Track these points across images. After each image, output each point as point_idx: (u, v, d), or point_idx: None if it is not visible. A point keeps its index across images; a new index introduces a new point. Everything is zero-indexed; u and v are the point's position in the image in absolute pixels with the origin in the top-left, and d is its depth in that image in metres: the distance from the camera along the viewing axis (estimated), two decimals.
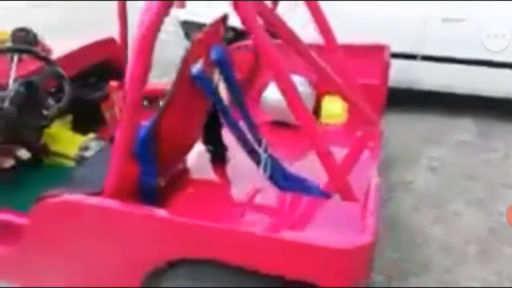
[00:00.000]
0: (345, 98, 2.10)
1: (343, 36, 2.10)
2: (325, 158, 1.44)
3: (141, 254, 1.45)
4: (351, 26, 2.92)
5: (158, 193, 1.53)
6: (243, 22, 1.36)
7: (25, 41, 1.76)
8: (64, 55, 2.26)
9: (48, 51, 2.04)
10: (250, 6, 1.36)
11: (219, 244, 1.32)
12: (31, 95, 1.51)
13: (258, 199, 1.62)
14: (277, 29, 1.78)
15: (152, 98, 2.38)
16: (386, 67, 2.35)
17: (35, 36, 1.91)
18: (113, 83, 2.49)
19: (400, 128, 3.54)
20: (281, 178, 1.72)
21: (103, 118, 2.54)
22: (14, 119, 1.52)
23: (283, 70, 1.41)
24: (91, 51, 2.50)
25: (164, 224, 1.38)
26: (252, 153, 1.73)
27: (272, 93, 2.31)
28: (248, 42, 2.55)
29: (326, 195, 1.55)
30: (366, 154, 2.13)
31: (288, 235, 1.32)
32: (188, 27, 4.13)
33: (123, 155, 1.37)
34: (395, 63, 2.59)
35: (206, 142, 1.92)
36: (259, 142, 1.73)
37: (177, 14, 4.20)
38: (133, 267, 1.48)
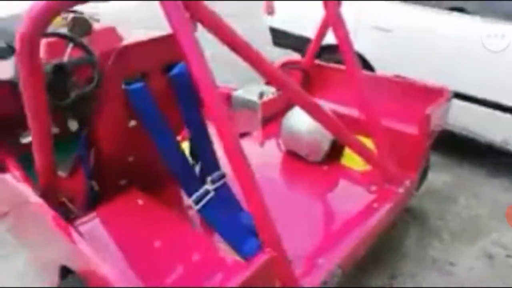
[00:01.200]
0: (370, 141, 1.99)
1: None
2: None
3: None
4: None
5: (91, 194, 1.70)
6: (169, 22, 1.30)
7: (81, 28, 1.75)
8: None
9: (120, 38, 2.03)
10: (178, 7, 1.28)
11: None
12: (58, 77, 1.55)
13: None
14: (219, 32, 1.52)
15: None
16: (427, 117, 1.96)
17: (90, 24, 1.91)
18: None
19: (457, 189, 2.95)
20: (218, 217, 1.65)
21: None
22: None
23: (205, 76, 1.29)
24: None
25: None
26: (189, 180, 1.69)
27: (290, 120, 2.20)
28: (297, 60, 2.60)
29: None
30: (363, 215, 1.88)
31: None
32: (277, 35, 4.03)
33: None
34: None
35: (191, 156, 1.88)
36: (211, 171, 1.71)
37: (267, 18, 4.07)
38: None
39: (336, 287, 1.57)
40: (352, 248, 1.65)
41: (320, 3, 2.05)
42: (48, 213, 1.39)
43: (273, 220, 1.34)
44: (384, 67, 3.18)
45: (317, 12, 2.24)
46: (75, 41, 1.68)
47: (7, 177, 1.66)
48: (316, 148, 2.16)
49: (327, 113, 1.75)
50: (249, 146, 2.41)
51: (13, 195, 1.66)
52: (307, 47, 2.63)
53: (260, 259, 1.17)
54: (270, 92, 2.61)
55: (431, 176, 2.89)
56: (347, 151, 2.14)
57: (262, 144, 2.49)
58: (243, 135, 2.56)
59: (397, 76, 3.04)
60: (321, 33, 2.46)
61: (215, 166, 1.79)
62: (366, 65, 3.27)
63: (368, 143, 2.00)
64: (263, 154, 2.37)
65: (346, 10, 3.34)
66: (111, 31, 1.73)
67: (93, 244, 1.27)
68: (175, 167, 1.70)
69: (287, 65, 2.64)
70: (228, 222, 1.65)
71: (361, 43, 3.28)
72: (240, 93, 2.65)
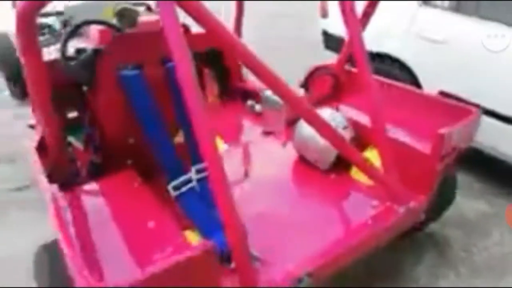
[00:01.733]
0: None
1: None
2: None
3: None
4: None
5: (92, 168, 1.88)
6: (162, 22, 1.33)
7: (128, 19, 1.97)
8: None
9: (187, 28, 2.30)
10: (170, 6, 1.31)
11: None
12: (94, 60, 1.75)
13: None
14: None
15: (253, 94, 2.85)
16: (440, 137, 1.76)
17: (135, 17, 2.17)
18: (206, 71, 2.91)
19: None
20: (193, 207, 1.69)
21: None
22: (78, 75, 1.78)
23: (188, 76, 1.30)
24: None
25: None
26: (173, 169, 1.76)
27: (302, 126, 2.20)
28: (328, 65, 2.59)
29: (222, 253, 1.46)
30: (353, 228, 1.80)
31: None
32: (328, 38, 3.94)
33: None
34: None
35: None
36: (196, 161, 1.76)
37: (319, 21, 3.99)
38: None
39: None
40: (328, 259, 1.59)
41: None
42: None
43: (239, 217, 1.34)
44: (430, 81, 2.99)
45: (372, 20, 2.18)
46: (120, 30, 1.86)
47: None
48: (323, 156, 2.10)
49: (328, 127, 1.70)
50: (270, 145, 2.48)
51: None
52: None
53: (194, 250, 1.21)
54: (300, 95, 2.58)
55: (463, 202, 2.67)
56: None
57: (284, 144, 2.48)
58: (268, 133, 2.61)
59: (441, 92, 2.86)
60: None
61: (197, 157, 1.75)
62: (412, 77, 3.10)
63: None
64: (280, 154, 2.37)
65: (398, 17, 3.26)
66: (156, 24, 1.82)
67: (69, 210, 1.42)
68: (160, 155, 1.76)
69: (318, 70, 2.59)
70: (203, 214, 1.66)
71: (408, 54, 3.13)
72: (269, 92, 2.66)
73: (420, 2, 3.07)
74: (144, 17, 2.15)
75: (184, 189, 1.76)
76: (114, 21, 1.88)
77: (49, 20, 2.89)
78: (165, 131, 1.81)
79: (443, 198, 2.23)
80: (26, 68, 1.39)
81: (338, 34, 3.68)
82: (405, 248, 2.38)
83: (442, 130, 1.75)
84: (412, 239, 2.41)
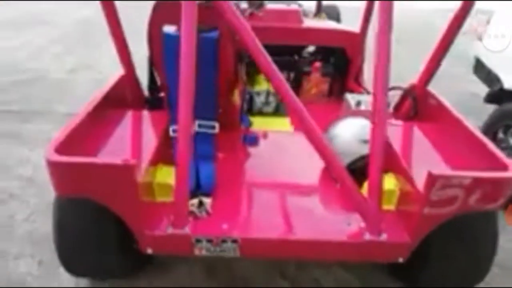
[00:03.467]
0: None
1: None
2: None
3: None
4: None
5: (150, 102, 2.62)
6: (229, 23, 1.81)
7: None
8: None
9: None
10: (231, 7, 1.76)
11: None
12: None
13: None
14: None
15: None
16: (432, 178, 1.60)
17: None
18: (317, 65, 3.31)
19: None
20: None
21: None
22: None
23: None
24: (336, 34, 3.31)
25: None
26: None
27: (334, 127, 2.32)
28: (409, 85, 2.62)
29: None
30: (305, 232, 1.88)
31: None
32: (479, 66, 3.61)
33: None
34: None
35: None
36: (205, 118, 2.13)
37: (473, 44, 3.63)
38: None
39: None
40: (261, 240, 1.84)
41: None
42: None
43: (187, 163, 1.78)
44: None
45: None
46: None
47: None
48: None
49: (322, 142, 1.84)
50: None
51: None
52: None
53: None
54: (368, 102, 2.50)
55: None
56: None
57: None
58: None
59: None
60: (436, 58, 2.40)
61: (212, 116, 2.17)
62: None
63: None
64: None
65: None
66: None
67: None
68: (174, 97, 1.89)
69: (395, 89, 2.56)
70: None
71: None
72: (347, 96, 2.73)
73: None
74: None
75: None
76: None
77: None
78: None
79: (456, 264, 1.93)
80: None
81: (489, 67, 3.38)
82: None
83: (435, 171, 1.60)
84: None
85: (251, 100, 3.07)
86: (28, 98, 4.46)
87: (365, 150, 1.98)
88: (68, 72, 5.38)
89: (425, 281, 2.07)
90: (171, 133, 2.10)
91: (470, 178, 1.62)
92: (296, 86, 3.32)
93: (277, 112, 3.12)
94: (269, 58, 1.79)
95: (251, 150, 2.51)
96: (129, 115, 2.32)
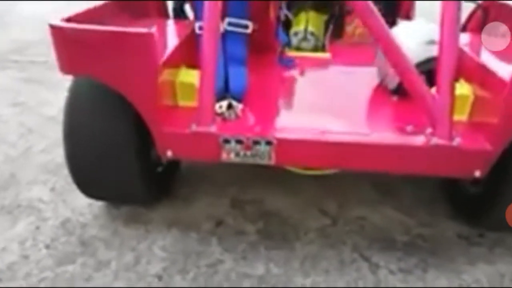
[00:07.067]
0: None
1: None
2: None
3: None
4: None
5: None
6: None
7: None
8: None
9: None
10: None
11: None
12: None
13: None
14: None
15: None
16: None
17: None
18: None
19: None
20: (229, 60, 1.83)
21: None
22: None
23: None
24: None
25: None
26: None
27: None
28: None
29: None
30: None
31: None
32: None
33: None
34: None
35: None
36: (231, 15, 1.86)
37: None
38: None
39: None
40: (304, 143, 1.53)
41: None
42: None
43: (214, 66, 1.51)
44: None
45: None
46: None
47: None
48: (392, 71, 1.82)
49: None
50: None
51: None
52: None
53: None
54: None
55: None
56: None
57: None
58: None
59: None
60: None
61: (244, 14, 1.88)
62: None
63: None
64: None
65: None
66: None
67: None
68: None
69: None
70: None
71: None
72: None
73: None
74: None
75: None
76: None
77: None
78: None
79: None
80: None
81: None
82: None
83: None
84: None
85: (287, 23, 2.76)
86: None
87: (432, 52, 1.68)
88: None
89: (496, 220, 1.71)
90: (196, 30, 1.85)
91: None
92: (339, 26, 2.98)
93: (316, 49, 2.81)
94: None
95: (289, 70, 2.19)
96: (150, 21, 2.03)
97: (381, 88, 1.93)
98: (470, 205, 1.92)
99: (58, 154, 2.43)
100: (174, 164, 2.13)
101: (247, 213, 2.05)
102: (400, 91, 1.82)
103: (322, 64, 2.25)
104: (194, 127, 1.52)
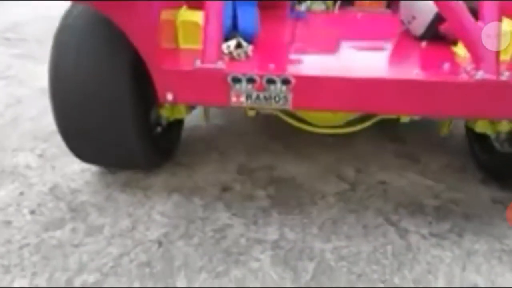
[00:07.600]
0: None
1: None
2: None
3: None
4: None
5: None
6: None
7: None
8: None
9: None
10: None
11: None
12: None
13: None
14: None
15: None
16: None
17: None
18: None
19: None
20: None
21: None
22: None
23: None
24: None
25: None
26: None
27: None
28: None
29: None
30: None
31: None
32: None
33: None
34: None
35: None
36: None
37: None
38: None
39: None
40: (324, 81, 1.33)
41: None
42: None
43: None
44: None
45: None
46: None
47: None
48: (420, 16, 1.63)
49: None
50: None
51: None
52: None
53: None
54: None
55: None
56: None
57: None
58: None
59: None
60: None
61: None
62: None
63: None
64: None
65: None
66: None
67: None
68: None
69: None
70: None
71: None
72: None
73: None
74: None
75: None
76: None
77: None
78: None
79: None
80: None
81: None
82: None
83: None
84: None
85: None
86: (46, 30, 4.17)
87: None
88: None
89: None
90: None
91: None
92: None
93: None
94: None
95: (303, 20, 1.99)
96: None
97: (407, 34, 1.73)
98: (505, 167, 1.72)
99: (50, 123, 2.22)
100: (174, 127, 1.92)
101: (256, 179, 1.85)
102: (428, 36, 1.64)
103: (337, 17, 2.05)
104: (198, 63, 1.31)
